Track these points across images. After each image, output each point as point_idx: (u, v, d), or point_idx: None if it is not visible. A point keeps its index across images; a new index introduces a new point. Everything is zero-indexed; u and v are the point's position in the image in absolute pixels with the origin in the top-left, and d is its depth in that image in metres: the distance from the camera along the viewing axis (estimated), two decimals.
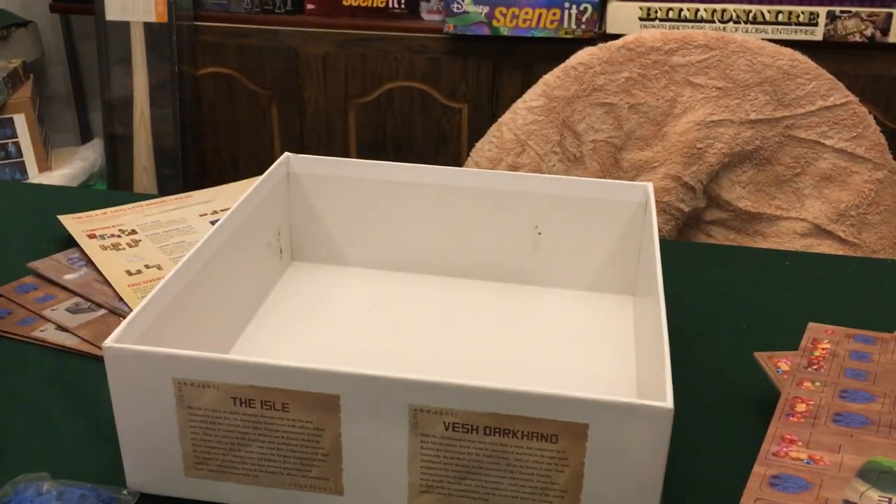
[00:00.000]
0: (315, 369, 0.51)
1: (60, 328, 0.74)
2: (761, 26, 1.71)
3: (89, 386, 0.68)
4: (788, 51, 1.19)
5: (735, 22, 1.71)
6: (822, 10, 1.68)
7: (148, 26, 1.96)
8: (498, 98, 1.89)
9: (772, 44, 1.19)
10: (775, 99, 1.18)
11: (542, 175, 0.79)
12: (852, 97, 1.18)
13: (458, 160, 1.94)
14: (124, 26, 1.98)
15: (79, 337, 0.73)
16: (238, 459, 0.55)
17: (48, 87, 2.39)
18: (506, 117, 1.24)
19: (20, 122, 2.02)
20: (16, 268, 0.83)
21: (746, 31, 1.71)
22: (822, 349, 0.62)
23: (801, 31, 1.70)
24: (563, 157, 1.22)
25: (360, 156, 2.01)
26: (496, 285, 0.81)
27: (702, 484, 0.59)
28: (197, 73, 2.00)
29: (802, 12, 1.69)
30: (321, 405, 0.52)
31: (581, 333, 0.75)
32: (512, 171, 1.21)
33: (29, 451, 0.61)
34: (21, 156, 2.04)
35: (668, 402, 0.49)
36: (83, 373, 0.70)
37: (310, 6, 1.93)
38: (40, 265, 0.83)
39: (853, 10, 1.68)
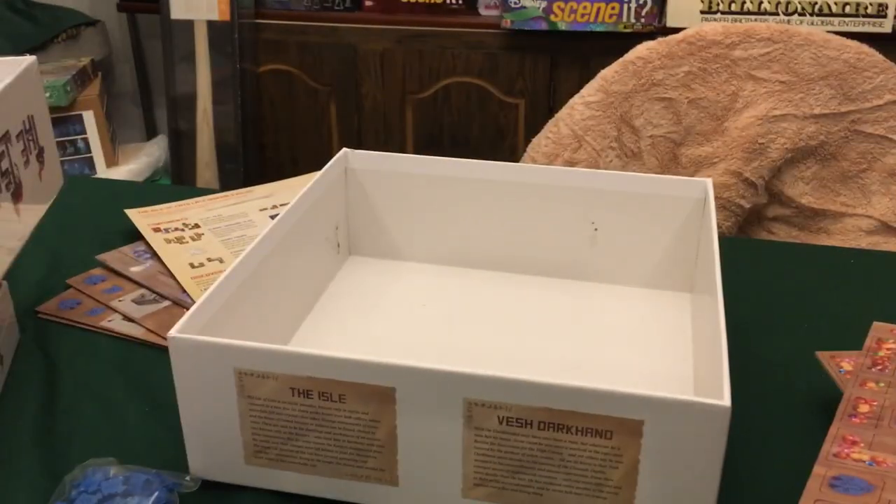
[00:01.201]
0: (371, 362, 0.52)
1: (127, 318, 0.77)
2: (827, 18, 1.66)
3: (154, 375, 0.69)
4: (855, 43, 1.15)
5: (800, 14, 1.67)
6: (891, 2, 1.63)
7: (211, 24, 2.00)
8: (555, 93, 1.88)
9: (838, 36, 1.16)
10: (841, 93, 1.15)
11: (599, 171, 0.78)
12: None
13: (514, 156, 1.94)
14: (188, 25, 2.02)
15: (144, 327, 0.75)
16: (296, 449, 0.56)
17: (115, 85, 2.46)
18: (563, 113, 1.23)
19: (89, 118, 2.08)
20: (85, 260, 0.86)
21: (811, 24, 1.67)
22: (887, 349, 0.61)
23: (868, 23, 1.65)
24: (620, 152, 1.21)
25: (416, 151, 2.02)
26: (552, 281, 0.81)
27: (760, 484, 0.59)
28: (258, 70, 2.03)
29: (871, 4, 1.64)
30: (377, 397, 0.53)
31: (638, 330, 0.74)
32: (569, 166, 1.21)
33: (97, 436, 0.63)
34: (89, 151, 2.10)
35: (726, 401, 0.48)
36: (148, 362, 0.72)
37: (368, 3, 1.94)
38: (108, 257, 0.85)
39: None
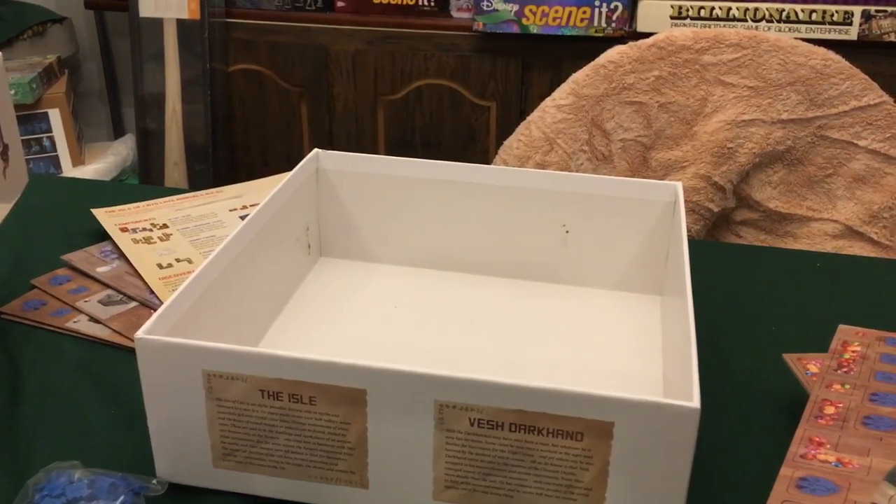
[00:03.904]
0: (342, 364, 0.52)
1: (93, 319, 0.76)
2: (794, 25, 1.69)
3: (120, 377, 0.69)
4: (822, 50, 1.17)
5: (768, 21, 1.69)
6: (857, 10, 1.66)
7: (181, 23, 1.98)
8: (527, 96, 1.89)
9: (805, 43, 1.18)
10: (808, 99, 1.17)
11: (571, 174, 0.79)
12: (887, 97, 1.16)
13: (486, 158, 1.94)
14: (157, 23, 2.00)
15: (111, 328, 0.74)
16: (265, 451, 0.55)
17: (82, 83, 2.43)
18: (534, 115, 1.24)
19: (55, 116, 2.05)
20: (50, 260, 0.84)
21: (779, 30, 1.69)
22: (853, 352, 0.61)
23: (835, 30, 1.68)
24: (591, 155, 1.22)
25: (388, 153, 2.01)
26: (523, 283, 0.81)
27: (728, 485, 0.59)
28: (228, 69, 2.02)
29: (837, 11, 1.67)
30: (348, 399, 0.52)
31: (608, 332, 0.75)
32: (540, 169, 1.21)
33: (61, 439, 0.62)
34: (55, 150, 2.07)
35: (695, 402, 0.49)
36: (115, 364, 0.71)
37: (340, 3, 1.94)
38: (74, 257, 0.84)
39: (888, 9, 1.65)
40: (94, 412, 0.65)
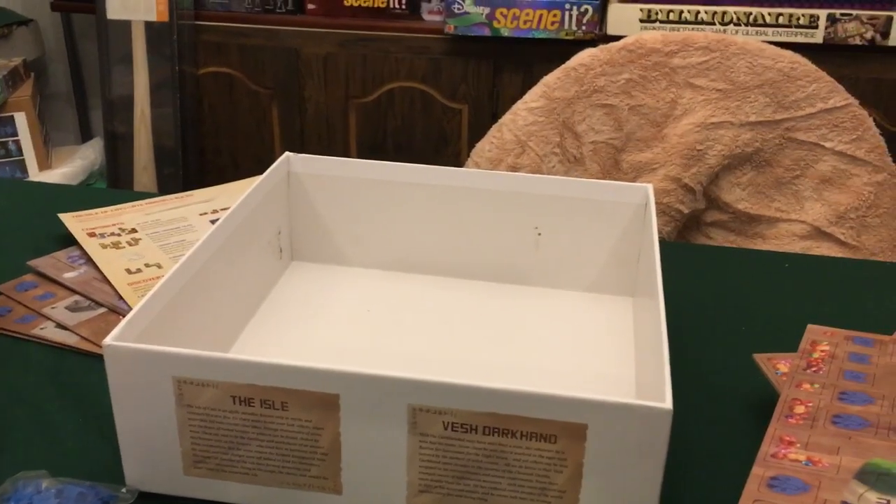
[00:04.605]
0: (314, 369, 0.51)
1: (60, 326, 0.74)
2: (761, 28, 1.71)
3: (89, 384, 0.68)
4: (789, 53, 1.19)
5: (735, 24, 1.71)
6: (823, 13, 1.68)
7: (149, 25, 1.96)
8: (498, 99, 1.89)
9: (772, 46, 1.19)
10: (775, 101, 1.18)
11: (542, 176, 0.79)
12: (852, 100, 1.18)
13: (458, 161, 1.94)
14: (125, 25, 1.98)
15: (78, 335, 0.73)
16: (237, 458, 0.55)
17: (49, 86, 2.39)
18: (506, 118, 1.24)
19: (21, 120, 2.02)
20: (16, 266, 0.83)
21: (747, 34, 1.71)
22: (821, 351, 0.62)
23: (801, 33, 1.70)
24: (563, 158, 1.22)
25: (360, 156, 2.01)
26: (496, 286, 0.81)
27: (700, 485, 0.59)
28: (198, 72, 2.00)
29: (803, 15, 1.69)
30: (320, 404, 0.52)
31: (580, 334, 0.75)
32: (512, 171, 1.21)
33: (28, 448, 0.61)
34: (21, 154, 2.04)
35: (667, 403, 0.49)
36: (82, 371, 0.70)
37: (311, 6, 1.93)
38: (40, 263, 0.83)
39: (853, 12, 1.68)
40: (61, 420, 0.64)
